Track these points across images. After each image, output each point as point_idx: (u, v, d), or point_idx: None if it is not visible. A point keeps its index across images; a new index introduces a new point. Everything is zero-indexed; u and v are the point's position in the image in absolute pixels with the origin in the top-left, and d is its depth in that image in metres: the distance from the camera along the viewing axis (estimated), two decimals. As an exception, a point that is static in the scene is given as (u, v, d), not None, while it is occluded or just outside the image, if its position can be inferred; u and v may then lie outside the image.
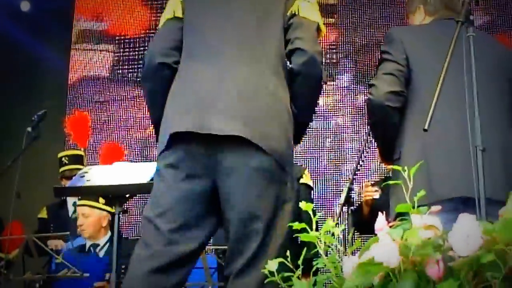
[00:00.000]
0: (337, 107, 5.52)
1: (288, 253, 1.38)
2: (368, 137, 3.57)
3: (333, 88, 5.57)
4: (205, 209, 2.03)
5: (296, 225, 1.39)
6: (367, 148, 3.91)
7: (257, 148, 1.96)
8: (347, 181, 3.68)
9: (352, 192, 3.46)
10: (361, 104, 5.40)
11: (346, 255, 1.32)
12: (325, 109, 5.50)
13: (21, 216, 4.18)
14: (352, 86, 5.55)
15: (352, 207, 3.37)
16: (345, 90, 5.54)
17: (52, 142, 5.30)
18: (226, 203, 2.00)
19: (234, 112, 1.99)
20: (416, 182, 1.99)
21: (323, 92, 5.51)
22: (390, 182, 1.42)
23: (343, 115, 5.50)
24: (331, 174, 5.34)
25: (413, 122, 2.13)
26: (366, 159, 4.69)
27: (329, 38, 5.58)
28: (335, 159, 5.40)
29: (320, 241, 1.35)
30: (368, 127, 2.26)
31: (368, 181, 4.01)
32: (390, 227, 1.30)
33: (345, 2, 5.70)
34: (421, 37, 2.26)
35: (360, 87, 5.53)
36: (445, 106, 2.07)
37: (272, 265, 1.35)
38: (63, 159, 4.45)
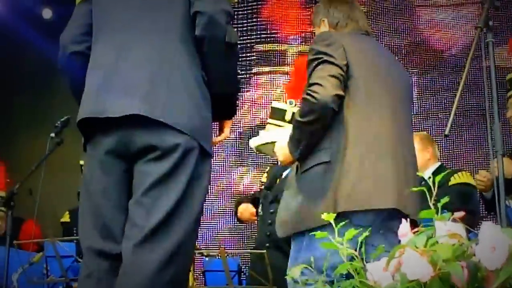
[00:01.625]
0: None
1: (312, 258, 1.38)
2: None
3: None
4: (124, 195, 1.93)
5: (319, 234, 1.38)
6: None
7: (165, 125, 1.84)
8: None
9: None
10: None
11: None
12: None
13: (42, 219, 4.23)
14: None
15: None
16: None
17: (76, 146, 5.35)
18: (139, 186, 1.88)
19: (131, 90, 1.86)
20: (346, 187, 2.10)
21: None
22: (414, 188, 1.41)
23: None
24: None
25: (348, 125, 2.16)
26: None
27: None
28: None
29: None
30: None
31: None
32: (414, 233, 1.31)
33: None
34: (356, 45, 2.28)
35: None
36: (378, 116, 2.20)
37: (296, 271, 1.36)
38: None
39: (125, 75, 1.89)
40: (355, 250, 2.06)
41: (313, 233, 2.02)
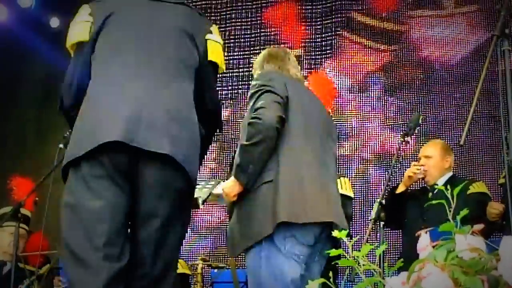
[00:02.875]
0: (366, 118, 5.48)
1: (331, 273, 1.37)
2: (400, 148, 3.52)
3: (363, 100, 5.55)
4: (126, 220, 2.05)
5: (334, 252, 1.37)
6: (398, 162, 3.86)
7: (178, 168, 2.03)
8: (378, 196, 3.64)
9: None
10: (391, 115, 5.39)
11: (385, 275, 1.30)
12: (354, 121, 5.47)
13: (50, 231, 4.22)
14: (382, 97, 5.51)
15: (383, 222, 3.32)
16: (375, 102, 5.50)
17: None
18: (145, 217, 2.04)
19: (162, 130, 2.03)
20: (288, 201, 2.27)
21: (352, 104, 5.49)
22: (433, 201, 1.39)
23: (371, 127, 5.46)
24: (360, 188, 5.28)
25: (286, 151, 2.35)
26: (397, 173, 4.64)
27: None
28: (363, 172, 5.35)
29: (359, 264, 1.33)
30: (247, 148, 2.34)
31: (416, 161, 3.94)
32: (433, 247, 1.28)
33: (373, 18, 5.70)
34: (292, 85, 2.49)
35: (390, 98, 5.49)
36: (311, 144, 2.43)
37: (313, 286, 1.33)
38: None
39: (155, 114, 2.05)
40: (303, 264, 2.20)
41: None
